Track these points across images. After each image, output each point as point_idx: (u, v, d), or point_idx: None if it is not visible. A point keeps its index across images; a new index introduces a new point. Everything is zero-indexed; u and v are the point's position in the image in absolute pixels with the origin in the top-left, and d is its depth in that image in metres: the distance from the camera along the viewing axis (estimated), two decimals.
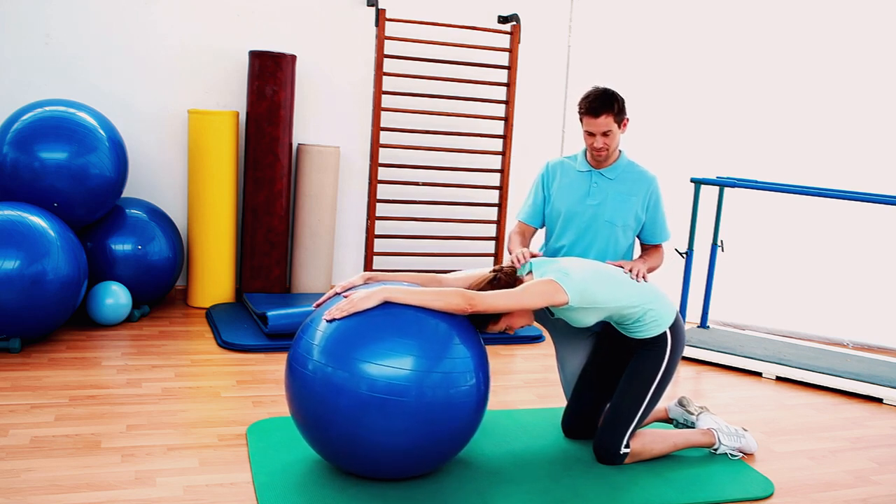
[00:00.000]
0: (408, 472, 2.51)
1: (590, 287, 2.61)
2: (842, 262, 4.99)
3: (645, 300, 2.71)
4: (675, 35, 5.31)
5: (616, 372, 2.91)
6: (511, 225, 5.50)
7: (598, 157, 2.97)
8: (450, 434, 2.42)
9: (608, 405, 2.86)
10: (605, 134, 2.88)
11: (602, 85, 2.92)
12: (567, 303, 2.57)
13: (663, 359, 2.75)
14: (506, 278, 2.67)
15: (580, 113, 2.91)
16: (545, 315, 3.12)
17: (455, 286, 2.71)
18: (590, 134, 2.91)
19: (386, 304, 2.40)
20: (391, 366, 2.29)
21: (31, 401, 3.07)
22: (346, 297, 2.45)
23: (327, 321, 2.40)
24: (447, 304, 2.44)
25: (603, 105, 2.85)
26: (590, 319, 2.70)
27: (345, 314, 2.37)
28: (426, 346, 2.35)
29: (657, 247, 3.13)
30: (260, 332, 4.13)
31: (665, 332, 2.75)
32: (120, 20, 4.61)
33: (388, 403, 2.29)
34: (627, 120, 2.94)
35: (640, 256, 3.10)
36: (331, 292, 2.58)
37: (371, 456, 2.39)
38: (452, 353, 2.39)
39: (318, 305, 2.56)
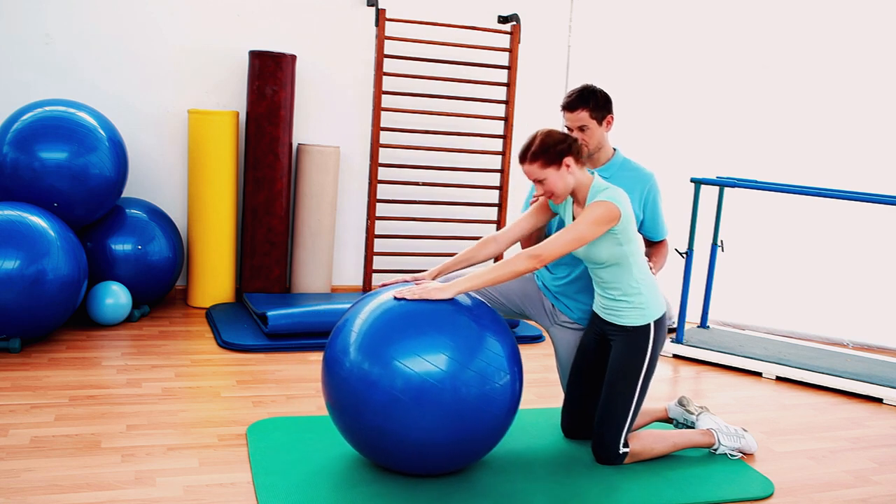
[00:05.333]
0: (441, 468, 2.55)
1: (631, 219, 2.65)
2: (842, 262, 4.98)
3: (644, 284, 2.72)
4: (675, 35, 5.31)
5: (602, 368, 2.90)
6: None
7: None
8: (484, 430, 2.45)
9: (599, 406, 2.84)
10: (580, 129, 2.93)
11: (595, 84, 2.95)
12: (619, 219, 2.59)
13: (646, 352, 2.75)
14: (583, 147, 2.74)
15: (560, 107, 2.98)
16: (545, 313, 3.11)
17: (510, 237, 2.82)
18: (567, 128, 2.97)
19: (422, 301, 2.46)
20: (426, 361, 2.33)
21: (31, 401, 3.07)
22: (417, 283, 2.54)
23: (396, 299, 2.47)
24: (516, 271, 2.54)
25: (578, 100, 2.91)
26: (603, 254, 2.67)
27: (416, 297, 2.45)
28: (461, 343, 2.39)
29: (661, 243, 3.13)
30: (260, 332, 4.13)
31: (649, 325, 2.75)
32: (120, 20, 4.61)
33: (423, 399, 2.32)
34: (612, 118, 2.95)
35: (653, 258, 3.09)
36: (399, 277, 2.68)
37: (404, 452, 2.42)
38: (486, 350, 2.42)
39: (384, 286, 2.64)
